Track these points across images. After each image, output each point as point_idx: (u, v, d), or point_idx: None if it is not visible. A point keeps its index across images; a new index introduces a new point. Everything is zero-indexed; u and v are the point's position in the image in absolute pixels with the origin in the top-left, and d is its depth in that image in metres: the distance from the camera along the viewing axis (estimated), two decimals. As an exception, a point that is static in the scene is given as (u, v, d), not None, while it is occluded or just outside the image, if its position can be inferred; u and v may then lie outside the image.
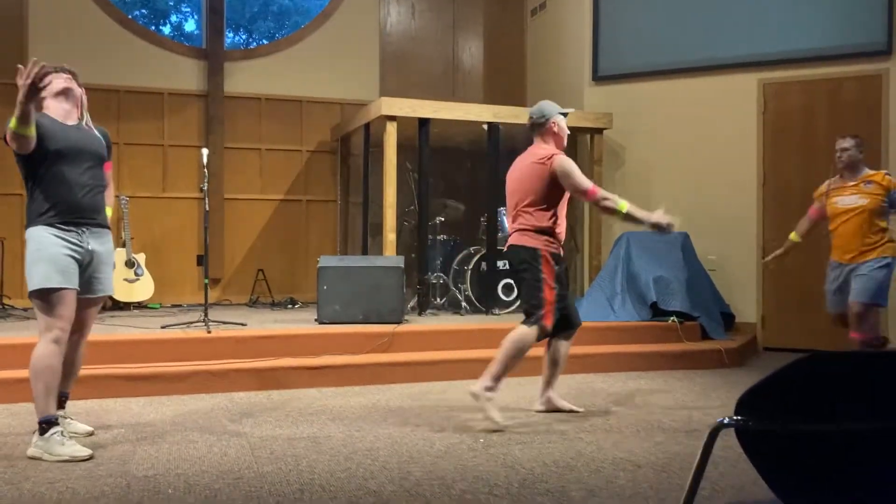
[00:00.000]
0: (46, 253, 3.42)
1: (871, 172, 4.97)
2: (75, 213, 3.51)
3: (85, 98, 3.75)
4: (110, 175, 3.82)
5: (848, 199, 4.95)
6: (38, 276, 3.41)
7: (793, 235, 5.35)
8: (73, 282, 3.47)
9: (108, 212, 3.76)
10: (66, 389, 3.77)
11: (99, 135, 3.73)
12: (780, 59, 7.03)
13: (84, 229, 3.53)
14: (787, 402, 1.37)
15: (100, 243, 3.61)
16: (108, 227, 3.71)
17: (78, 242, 3.50)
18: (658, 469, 3.31)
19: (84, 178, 3.54)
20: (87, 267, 3.56)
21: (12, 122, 3.29)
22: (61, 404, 3.78)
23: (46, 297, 3.40)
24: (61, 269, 3.42)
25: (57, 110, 3.60)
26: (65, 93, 3.61)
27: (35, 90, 3.22)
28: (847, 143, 4.97)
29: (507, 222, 4.37)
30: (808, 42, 6.92)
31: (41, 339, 3.43)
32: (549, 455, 3.50)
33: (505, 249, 4.34)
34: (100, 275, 3.63)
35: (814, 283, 5.63)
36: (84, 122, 3.69)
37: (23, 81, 3.17)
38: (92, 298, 3.64)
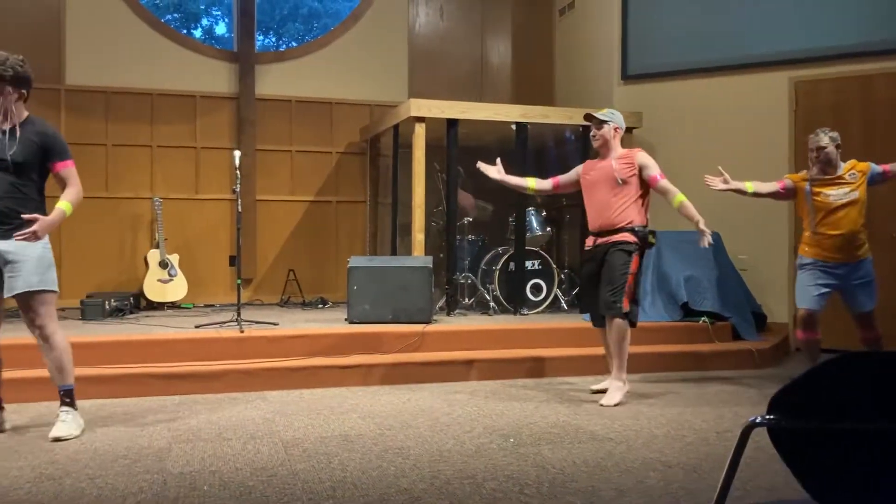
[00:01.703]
0: None
1: (848, 164, 4.80)
2: None
3: (13, 99, 3.70)
4: (66, 173, 3.78)
5: (840, 191, 4.74)
6: None
7: (749, 186, 5.03)
8: None
9: (65, 206, 3.74)
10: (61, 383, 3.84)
11: (31, 139, 3.69)
12: (812, 57, 6.95)
13: None
14: (821, 401, 1.37)
15: (7, 244, 3.64)
16: (22, 227, 3.64)
17: None
18: (689, 469, 3.31)
19: None
20: (2, 268, 3.66)
21: None
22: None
23: None
24: None
25: None
26: None
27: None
28: (825, 140, 4.76)
29: None
30: (839, 39, 6.83)
31: None
32: (579, 455, 3.51)
33: None
34: (13, 273, 3.65)
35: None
36: (12, 125, 3.69)
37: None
38: (18, 297, 3.67)
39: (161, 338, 5.38)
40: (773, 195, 5.09)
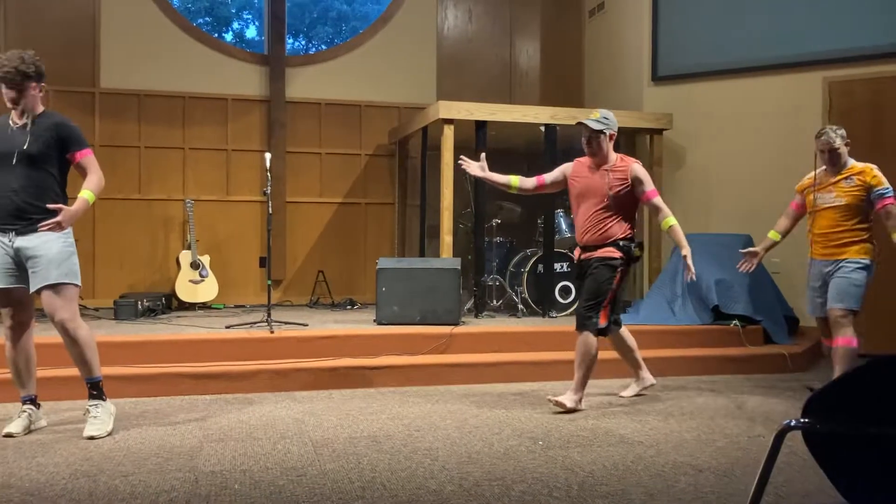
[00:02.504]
0: None
1: (857, 167, 4.71)
2: (1, 217, 3.68)
3: (34, 94, 3.76)
4: (85, 162, 3.81)
5: (828, 195, 4.75)
6: None
7: (773, 234, 5.07)
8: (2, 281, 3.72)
9: (88, 194, 3.78)
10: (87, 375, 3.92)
11: (46, 131, 3.73)
12: (846, 57, 6.85)
13: (10, 231, 3.68)
14: (856, 405, 1.35)
15: (28, 240, 3.68)
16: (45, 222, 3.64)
17: (6, 242, 3.69)
18: (720, 474, 3.27)
19: (6, 181, 3.67)
20: (25, 263, 3.70)
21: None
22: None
23: None
24: None
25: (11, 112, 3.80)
26: (10, 103, 3.76)
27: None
28: (838, 142, 4.68)
29: None
30: (874, 38, 6.72)
31: None
32: (609, 458, 3.49)
33: None
34: (34, 269, 3.68)
35: (878, 286, 5.44)
36: (28, 119, 3.74)
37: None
38: (39, 292, 3.71)
39: (192, 338, 5.44)
40: (798, 219, 5.07)
